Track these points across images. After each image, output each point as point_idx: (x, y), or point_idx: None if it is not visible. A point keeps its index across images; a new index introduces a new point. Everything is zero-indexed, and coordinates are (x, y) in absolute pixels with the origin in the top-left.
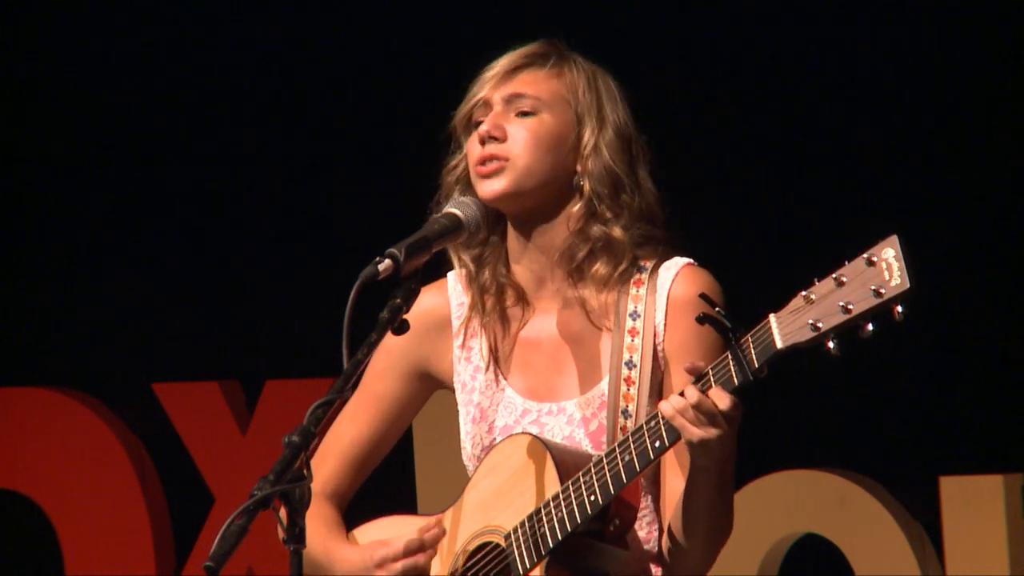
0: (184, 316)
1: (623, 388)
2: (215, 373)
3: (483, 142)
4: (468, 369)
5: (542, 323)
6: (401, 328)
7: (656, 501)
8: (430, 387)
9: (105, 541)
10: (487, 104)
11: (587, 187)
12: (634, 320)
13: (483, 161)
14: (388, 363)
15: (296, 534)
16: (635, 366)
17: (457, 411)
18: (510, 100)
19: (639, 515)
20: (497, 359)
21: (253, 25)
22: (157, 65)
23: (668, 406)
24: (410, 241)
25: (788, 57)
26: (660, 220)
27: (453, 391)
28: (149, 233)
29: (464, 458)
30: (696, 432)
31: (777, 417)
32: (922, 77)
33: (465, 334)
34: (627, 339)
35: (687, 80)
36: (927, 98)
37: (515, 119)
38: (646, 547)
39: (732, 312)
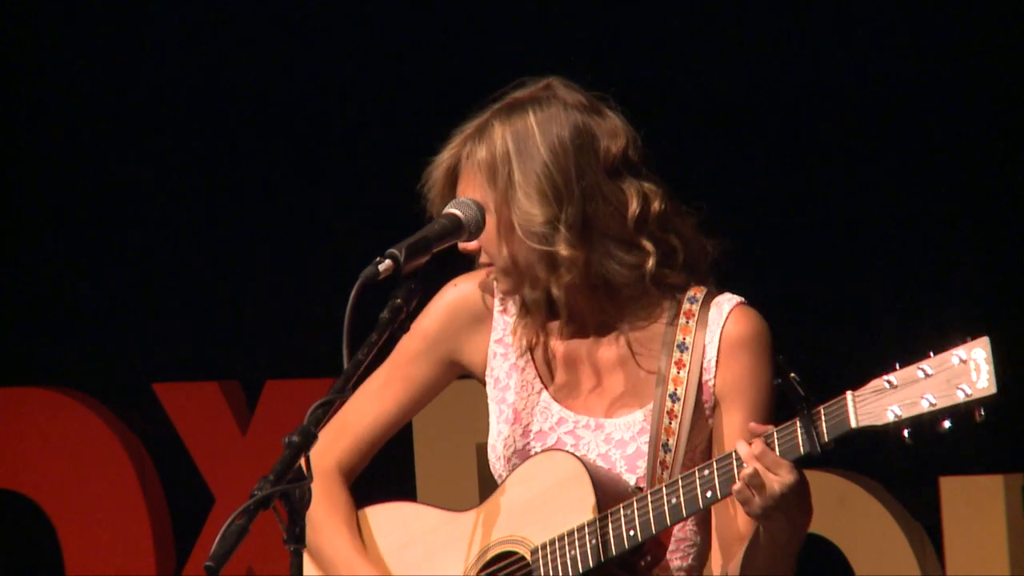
0: (184, 316)
1: (665, 421)
2: (215, 373)
3: None
4: (504, 366)
5: (584, 342)
6: (402, 328)
7: (701, 531)
8: (456, 374)
9: (105, 541)
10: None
11: (524, 259)
12: (682, 352)
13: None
14: (424, 347)
15: (296, 534)
16: (679, 400)
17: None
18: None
19: (684, 546)
20: (535, 361)
21: (254, 24)
22: (158, 66)
23: (744, 449)
24: (410, 241)
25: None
26: (626, 228)
27: (482, 383)
28: (149, 233)
29: (492, 457)
30: (772, 480)
31: (777, 417)
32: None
33: (505, 329)
34: (673, 371)
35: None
36: None
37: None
38: None
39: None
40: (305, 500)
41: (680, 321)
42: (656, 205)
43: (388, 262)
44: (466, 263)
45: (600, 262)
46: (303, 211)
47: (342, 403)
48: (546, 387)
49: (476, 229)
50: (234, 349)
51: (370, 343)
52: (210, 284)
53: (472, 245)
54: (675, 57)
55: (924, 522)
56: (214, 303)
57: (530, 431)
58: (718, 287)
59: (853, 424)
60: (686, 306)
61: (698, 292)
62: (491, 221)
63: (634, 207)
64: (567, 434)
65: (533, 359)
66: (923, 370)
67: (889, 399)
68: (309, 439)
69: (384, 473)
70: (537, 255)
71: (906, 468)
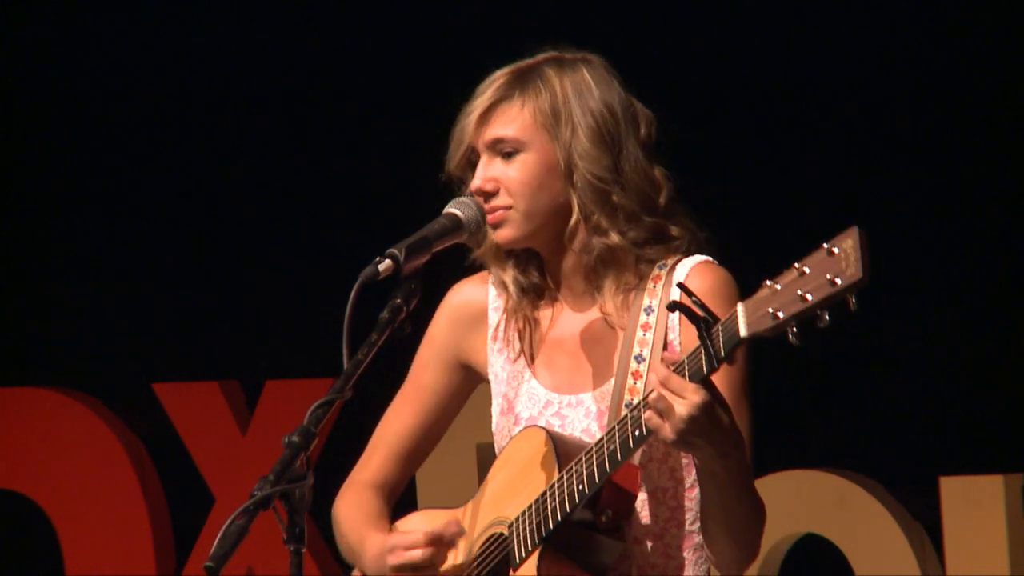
0: (184, 316)
1: (629, 381)
2: (215, 373)
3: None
4: (500, 361)
5: (567, 322)
6: (402, 328)
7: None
8: (472, 378)
9: (105, 541)
10: (473, 151)
11: (576, 205)
12: (647, 315)
13: (487, 212)
14: (432, 353)
15: (296, 534)
16: (644, 360)
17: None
18: (491, 145)
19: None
20: (524, 351)
21: (254, 23)
22: (158, 65)
23: (651, 391)
24: (410, 241)
25: (764, 57)
26: (657, 204)
27: (488, 383)
28: (149, 233)
29: (496, 450)
30: (678, 410)
31: (777, 417)
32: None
33: (499, 326)
34: (639, 333)
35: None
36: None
37: (501, 163)
38: (669, 540)
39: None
40: (305, 500)
41: (647, 285)
42: (673, 194)
43: (388, 262)
44: (465, 262)
45: (630, 227)
46: (303, 211)
47: (342, 403)
48: (534, 374)
49: (476, 228)
50: (234, 349)
51: (370, 343)
52: (210, 284)
53: (489, 186)
54: (668, 52)
55: (924, 522)
56: (214, 303)
57: (520, 418)
58: (686, 252)
59: (743, 333)
60: (655, 272)
61: (670, 259)
62: (535, 160)
63: (664, 192)
64: (553, 416)
65: (522, 348)
66: (800, 269)
67: (773, 302)
68: (309, 439)
69: None
70: (596, 195)
71: (906, 468)
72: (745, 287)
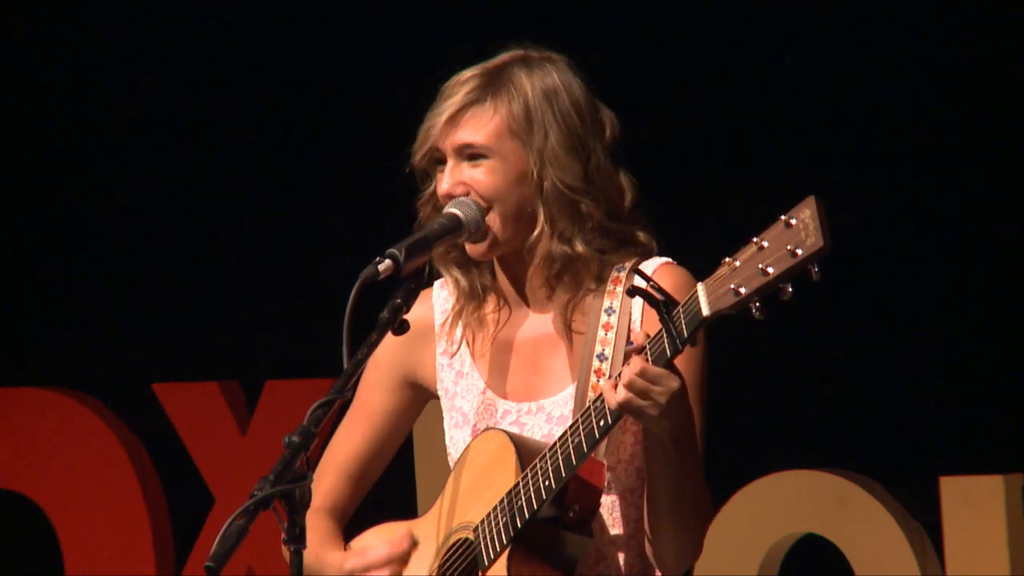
0: (183, 316)
1: (592, 380)
2: (215, 373)
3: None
4: (451, 375)
5: (521, 326)
6: (401, 328)
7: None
8: (421, 396)
9: (105, 541)
10: (440, 152)
11: (542, 215)
12: (609, 315)
13: None
14: (377, 376)
15: (296, 534)
16: (607, 359)
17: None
18: (459, 150)
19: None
20: (476, 363)
21: (254, 22)
22: (156, 64)
23: (606, 383)
24: (410, 241)
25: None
26: (623, 210)
27: (439, 399)
28: (149, 233)
29: (450, 464)
30: (637, 403)
31: (777, 417)
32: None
33: (447, 340)
34: (600, 333)
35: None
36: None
37: (468, 167)
38: (626, 536)
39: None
40: (305, 500)
41: (607, 287)
42: (635, 199)
43: (388, 262)
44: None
45: (596, 236)
46: (303, 211)
47: (342, 403)
48: (488, 385)
49: (476, 228)
50: (234, 349)
51: (370, 343)
52: (210, 284)
53: (459, 190)
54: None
55: (924, 522)
56: (214, 303)
57: (477, 430)
58: (646, 256)
59: (705, 312)
60: (614, 274)
61: (628, 262)
62: (504, 168)
63: (630, 197)
64: (512, 424)
65: (474, 360)
66: (758, 244)
67: (733, 279)
68: (309, 439)
69: (385, 475)
70: (564, 205)
71: (906, 468)
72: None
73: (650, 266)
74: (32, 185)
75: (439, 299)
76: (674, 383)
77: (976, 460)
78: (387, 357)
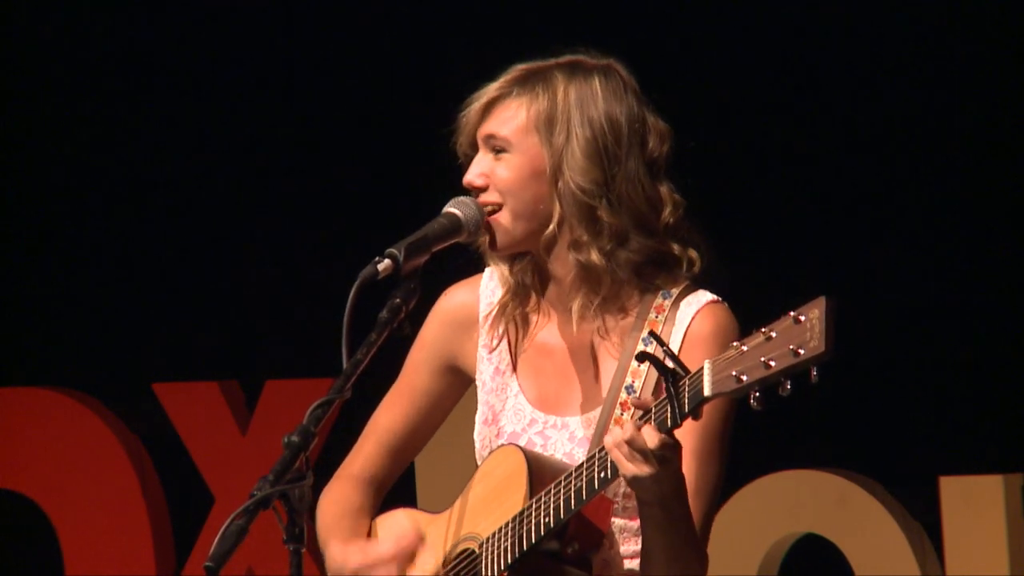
0: (183, 316)
1: (617, 412)
2: (215, 373)
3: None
4: (489, 369)
5: (559, 331)
6: (401, 328)
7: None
8: (462, 381)
9: (105, 541)
10: (472, 140)
11: (555, 213)
12: (645, 346)
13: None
14: (423, 356)
15: (296, 534)
16: (635, 392)
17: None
18: (486, 140)
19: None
20: (513, 362)
21: (255, 21)
22: (158, 64)
23: (609, 438)
24: (410, 241)
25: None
26: (656, 224)
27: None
28: (149, 233)
29: (477, 458)
30: (628, 467)
31: (777, 417)
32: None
33: (489, 334)
34: (633, 364)
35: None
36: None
37: (492, 159)
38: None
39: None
40: (305, 500)
41: (650, 316)
42: (679, 214)
43: (387, 262)
44: (465, 262)
45: (615, 247)
46: (303, 211)
47: (342, 403)
48: (522, 389)
49: (475, 228)
50: (234, 349)
51: (369, 343)
52: (210, 284)
53: (480, 181)
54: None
55: (924, 522)
56: (214, 303)
57: (504, 432)
58: (695, 285)
59: (707, 392)
60: (658, 301)
61: (674, 289)
62: (521, 163)
63: (668, 211)
64: (537, 435)
65: (512, 359)
66: (767, 334)
67: (737, 365)
68: (309, 439)
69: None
70: (577, 207)
71: (906, 468)
72: (749, 311)
73: (695, 302)
74: (32, 185)
75: (486, 290)
76: (670, 452)
77: (976, 460)
78: (433, 339)
